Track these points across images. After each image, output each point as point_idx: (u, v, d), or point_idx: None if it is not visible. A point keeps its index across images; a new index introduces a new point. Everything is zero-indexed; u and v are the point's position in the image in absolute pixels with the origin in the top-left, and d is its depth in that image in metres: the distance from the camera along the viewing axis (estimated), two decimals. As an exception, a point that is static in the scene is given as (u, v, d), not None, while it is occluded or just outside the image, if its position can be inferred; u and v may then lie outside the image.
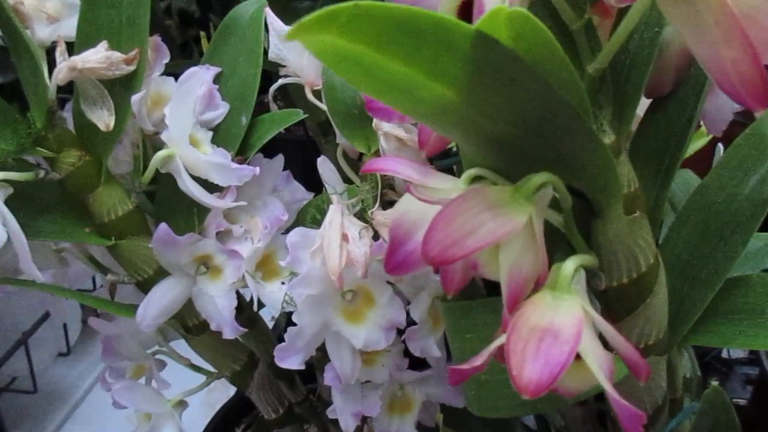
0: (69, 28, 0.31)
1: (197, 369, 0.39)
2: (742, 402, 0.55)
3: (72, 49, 0.30)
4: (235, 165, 0.30)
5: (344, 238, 0.28)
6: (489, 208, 0.19)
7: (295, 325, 0.30)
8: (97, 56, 0.28)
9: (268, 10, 0.33)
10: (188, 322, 0.36)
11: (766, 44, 0.18)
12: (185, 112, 0.30)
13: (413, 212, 0.22)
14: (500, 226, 0.18)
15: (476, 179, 0.22)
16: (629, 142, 0.28)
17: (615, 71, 0.24)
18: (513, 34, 0.17)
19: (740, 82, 0.19)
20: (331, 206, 0.29)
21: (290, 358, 0.31)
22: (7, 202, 0.29)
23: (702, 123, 0.40)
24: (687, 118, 0.26)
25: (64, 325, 0.65)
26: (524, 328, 0.18)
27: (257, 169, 0.31)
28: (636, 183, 0.24)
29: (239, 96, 0.34)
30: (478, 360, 0.19)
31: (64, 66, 0.28)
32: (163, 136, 0.31)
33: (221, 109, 0.34)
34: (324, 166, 0.31)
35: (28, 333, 0.58)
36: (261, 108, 0.35)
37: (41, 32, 0.30)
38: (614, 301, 0.26)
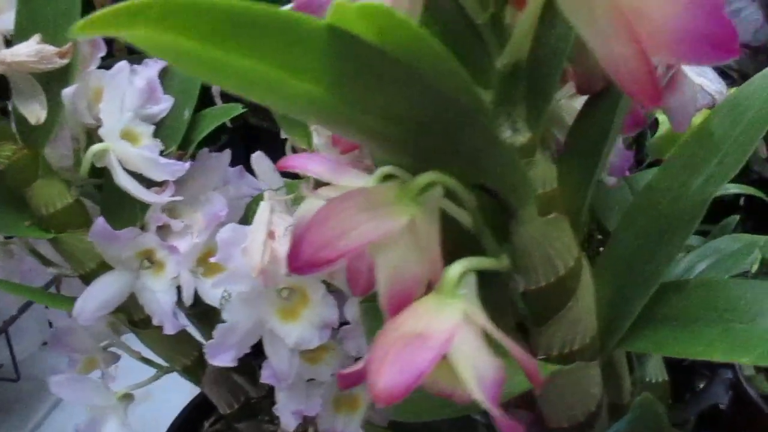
0: (8, 21, 0.31)
1: (149, 362, 0.39)
2: (723, 406, 0.53)
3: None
4: (164, 160, 0.30)
5: (270, 235, 0.28)
6: (368, 208, 0.18)
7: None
8: (28, 50, 0.28)
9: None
10: (134, 316, 0.36)
11: (655, 38, 0.17)
12: (115, 107, 0.30)
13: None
14: (376, 228, 0.18)
15: (390, 177, 0.22)
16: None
17: (532, 66, 0.23)
18: (375, 29, 0.16)
19: (632, 79, 0.18)
20: (261, 203, 0.29)
21: (221, 355, 0.30)
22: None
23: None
24: (609, 118, 0.25)
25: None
26: (393, 334, 0.17)
27: (187, 165, 0.31)
28: (554, 183, 0.23)
29: (183, 90, 0.34)
30: (361, 364, 0.19)
31: (-8, 60, 0.28)
32: (100, 131, 0.31)
33: (164, 104, 0.33)
34: (259, 161, 0.30)
35: (8, 321, 0.59)
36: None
37: (-22, 25, 0.30)
38: (535, 305, 0.25)
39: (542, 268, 0.24)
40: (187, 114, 0.33)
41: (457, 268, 0.19)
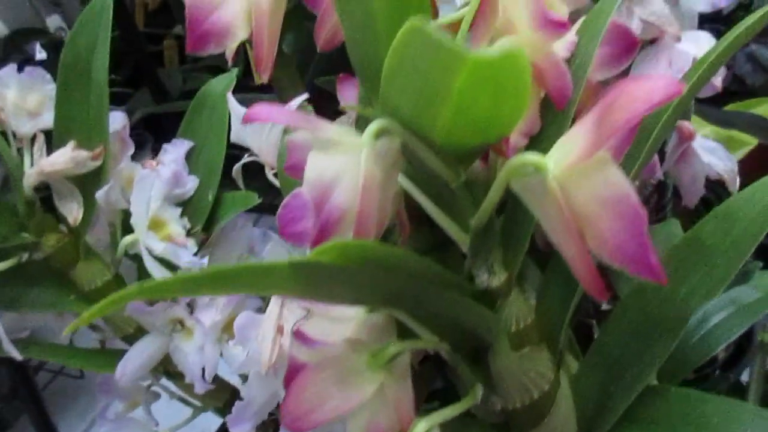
0: (48, 120, 0.34)
1: (186, 402, 0.43)
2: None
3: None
4: (186, 256, 0.33)
5: (279, 330, 0.31)
6: (339, 380, 0.21)
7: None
8: (64, 158, 0.32)
9: (229, 95, 0.35)
10: (170, 369, 0.40)
11: (599, 245, 0.19)
12: (142, 207, 0.33)
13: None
14: (346, 400, 0.20)
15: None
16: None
17: (507, 214, 0.25)
18: (343, 257, 0.18)
19: (580, 275, 0.19)
20: (272, 297, 0.32)
21: (241, 425, 0.34)
22: (4, 276, 0.33)
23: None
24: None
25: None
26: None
27: (204, 261, 0.34)
28: (529, 318, 0.25)
29: (207, 171, 0.37)
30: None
31: (33, 171, 0.31)
32: (131, 220, 0.34)
33: (190, 184, 0.36)
34: (273, 253, 0.33)
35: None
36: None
37: (23, 127, 0.33)
38: (513, 419, 0.27)
39: (517, 394, 0.25)
40: (210, 196, 0.36)
41: (422, 426, 0.21)
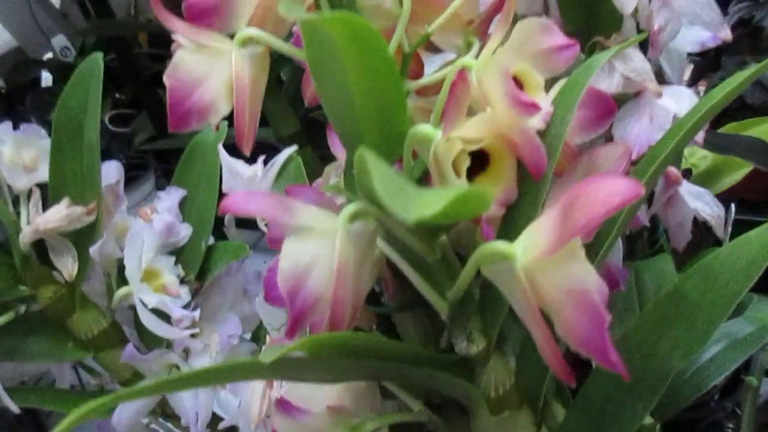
0: (43, 174, 0.35)
1: (184, 440, 0.44)
2: None
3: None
4: (178, 310, 0.34)
5: (269, 383, 0.31)
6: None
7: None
8: (59, 215, 0.32)
9: (219, 146, 0.36)
10: (167, 411, 0.40)
11: (566, 333, 0.19)
12: (134, 261, 0.33)
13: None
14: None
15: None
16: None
17: (483, 285, 0.25)
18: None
19: (546, 358, 0.20)
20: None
21: (234, 473, 0.34)
22: (2, 328, 0.34)
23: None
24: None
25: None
26: None
27: (196, 314, 0.34)
28: (508, 384, 0.25)
29: (200, 219, 0.37)
30: None
31: (29, 230, 0.32)
32: (125, 272, 0.35)
33: (184, 232, 0.37)
34: (261, 305, 0.34)
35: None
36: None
37: (19, 182, 0.34)
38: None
39: (498, 456, 0.26)
40: (203, 245, 0.37)
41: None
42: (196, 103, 0.24)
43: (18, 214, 0.34)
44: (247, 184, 0.36)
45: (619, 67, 0.30)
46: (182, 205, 0.38)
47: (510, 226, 0.25)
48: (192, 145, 0.38)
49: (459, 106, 0.22)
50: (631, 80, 0.30)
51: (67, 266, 0.33)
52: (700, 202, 0.36)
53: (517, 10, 0.33)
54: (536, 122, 0.24)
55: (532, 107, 0.22)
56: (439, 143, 0.23)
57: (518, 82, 0.25)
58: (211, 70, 0.24)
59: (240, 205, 0.20)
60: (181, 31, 0.24)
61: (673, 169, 0.36)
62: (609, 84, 0.30)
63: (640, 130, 0.30)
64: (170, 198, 0.38)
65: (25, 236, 0.32)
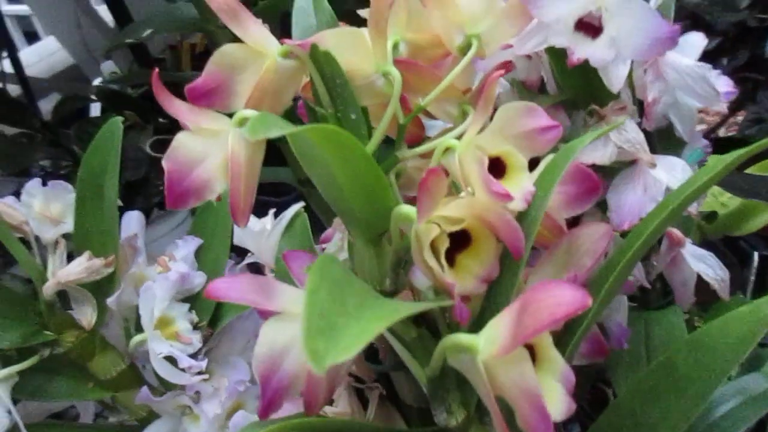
0: (69, 225, 0.37)
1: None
2: None
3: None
4: (187, 360, 0.35)
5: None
6: None
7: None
8: (79, 268, 0.35)
9: (231, 201, 0.37)
10: (182, 448, 0.42)
11: (523, 422, 0.20)
12: (148, 312, 0.35)
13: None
14: None
15: None
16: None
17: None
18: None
19: None
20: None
21: None
22: (28, 370, 0.36)
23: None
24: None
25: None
26: None
27: (203, 363, 0.36)
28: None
29: (213, 268, 0.39)
30: None
31: (52, 282, 0.34)
32: (141, 320, 0.37)
33: (198, 281, 0.39)
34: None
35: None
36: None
37: (46, 233, 0.37)
38: None
39: None
40: (215, 293, 0.38)
41: None
42: (194, 183, 0.25)
43: (45, 263, 0.36)
44: (256, 238, 0.38)
45: (613, 137, 0.31)
46: (198, 253, 0.40)
47: (492, 299, 0.26)
48: (207, 197, 0.40)
49: (432, 199, 0.23)
50: (625, 150, 0.31)
51: (86, 315, 0.35)
52: (703, 265, 0.35)
53: (517, 77, 0.34)
54: (517, 204, 0.25)
55: (504, 196, 0.23)
56: (419, 225, 0.24)
57: (501, 164, 0.26)
58: (209, 151, 0.26)
59: (222, 292, 0.21)
60: (181, 115, 0.26)
61: (675, 231, 0.36)
62: (603, 154, 0.30)
63: (634, 200, 0.30)
64: (187, 246, 0.40)
65: (48, 288, 0.35)
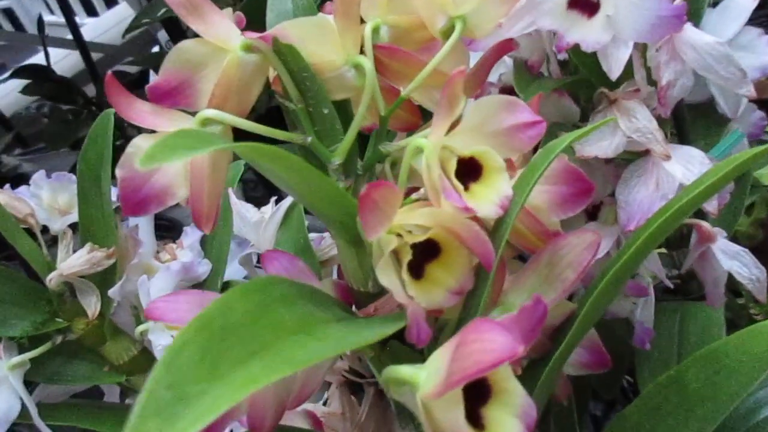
0: (75, 216, 0.38)
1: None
2: None
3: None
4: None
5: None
6: None
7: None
8: (80, 260, 0.35)
9: (230, 191, 0.37)
10: None
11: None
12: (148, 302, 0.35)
13: None
14: None
15: None
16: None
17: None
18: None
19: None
20: None
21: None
22: (46, 354, 0.38)
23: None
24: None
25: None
26: None
27: None
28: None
29: (217, 256, 0.39)
30: None
31: (55, 274, 0.35)
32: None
33: (203, 269, 0.39)
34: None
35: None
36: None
37: (55, 225, 0.37)
38: None
39: None
40: (219, 283, 0.38)
41: None
42: (152, 189, 0.25)
43: (53, 256, 0.37)
44: (254, 228, 0.37)
45: (622, 125, 0.27)
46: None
47: (469, 311, 0.24)
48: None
49: (378, 215, 0.21)
50: (635, 140, 0.27)
51: (91, 305, 0.36)
52: (736, 263, 0.32)
53: (518, 55, 0.31)
54: (492, 210, 0.23)
55: (465, 209, 0.21)
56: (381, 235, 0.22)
57: (476, 165, 0.23)
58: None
59: (159, 313, 0.21)
60: (141, 119, 0.25)
61: (705, 225, 0.32)
62: (609, 144, 0.27)
63: (644, 197, 0.27)
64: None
65: (52, 281, 0.35)
